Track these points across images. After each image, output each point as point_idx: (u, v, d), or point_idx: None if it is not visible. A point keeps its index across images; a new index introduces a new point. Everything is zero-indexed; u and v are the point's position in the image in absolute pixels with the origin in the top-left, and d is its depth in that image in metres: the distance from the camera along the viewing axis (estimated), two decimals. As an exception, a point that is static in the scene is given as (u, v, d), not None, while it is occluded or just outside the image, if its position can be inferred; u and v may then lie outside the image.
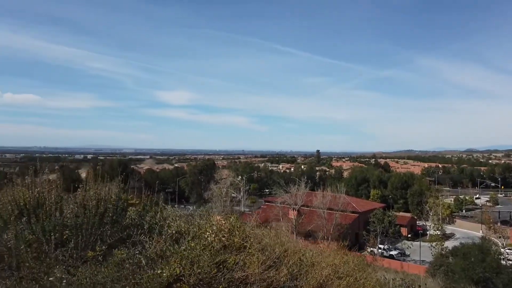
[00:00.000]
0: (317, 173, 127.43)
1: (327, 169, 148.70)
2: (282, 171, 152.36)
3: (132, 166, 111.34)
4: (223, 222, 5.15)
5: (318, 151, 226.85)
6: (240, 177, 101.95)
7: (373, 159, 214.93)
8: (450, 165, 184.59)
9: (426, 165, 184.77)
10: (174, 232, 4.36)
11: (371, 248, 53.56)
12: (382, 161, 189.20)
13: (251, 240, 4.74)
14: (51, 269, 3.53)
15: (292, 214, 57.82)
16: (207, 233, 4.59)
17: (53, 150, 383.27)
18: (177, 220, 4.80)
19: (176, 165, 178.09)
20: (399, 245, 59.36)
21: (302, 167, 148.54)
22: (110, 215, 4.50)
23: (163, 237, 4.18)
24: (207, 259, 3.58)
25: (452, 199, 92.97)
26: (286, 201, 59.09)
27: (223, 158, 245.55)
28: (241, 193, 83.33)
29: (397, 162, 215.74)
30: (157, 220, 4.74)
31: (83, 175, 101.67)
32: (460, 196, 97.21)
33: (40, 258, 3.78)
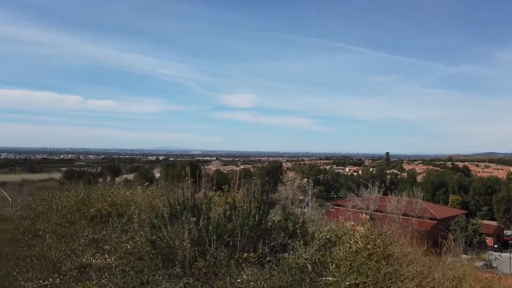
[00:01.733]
0: (388, 177, 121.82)
1: (398, 173, 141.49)
2: (349, 174, 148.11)
3: (201, 167, 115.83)
4: (361, 228, 5.00)
5: (387, 153, 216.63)
6: (306, 179, 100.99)
7: (449, 162, 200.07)
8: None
9: (511, 169, 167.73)
10: (327, 237, 4.31)
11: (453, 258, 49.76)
12: (460, 164, 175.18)
13: (398, 249, 4.52)
14: (219, 269, 3.66)
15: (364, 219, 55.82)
16: (353, 239, 4.46)
17: (129, 152, 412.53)
18: (324, 225, 4.73)
19: (241, 166, 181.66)
20: (484, 255, 54.46)
21: (371, 170, 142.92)
22: (257, 217, 4.58)
23: (317, 242, 4.14)
24: (383, 268, 3.46)
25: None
26: (357, 205, 57.09)
27: (287, 160, 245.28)
28: (309, 196, 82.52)
29: (477, 165, 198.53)
30: (300, 224, 4.73)
31: (157, 175, 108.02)
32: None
33: (205, 258, 3.95)
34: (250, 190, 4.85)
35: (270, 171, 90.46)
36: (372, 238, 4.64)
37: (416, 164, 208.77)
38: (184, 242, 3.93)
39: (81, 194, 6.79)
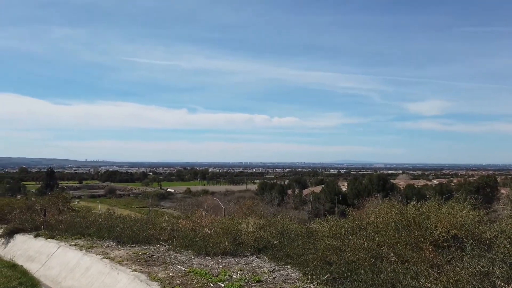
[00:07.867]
0: None
1: None
2: None
3: (391, 181, 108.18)
4: None
5: None
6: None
7: None
8: None
9: None
10: None
11: None
12: None
13: None
14: None
15: None
16: None
17: (311, 165, 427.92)
18: None
19: (434, 181, 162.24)
20: None
21: None
22: None
23: None
24: None
25: None
26: None
27: (494, 174, 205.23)
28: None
29: None
30: None
31: (343, 188, 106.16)
32: None
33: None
34: None
35: (480, 186, 76.08)
36: None
37: None
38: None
39: (413, 210, 5.01)
